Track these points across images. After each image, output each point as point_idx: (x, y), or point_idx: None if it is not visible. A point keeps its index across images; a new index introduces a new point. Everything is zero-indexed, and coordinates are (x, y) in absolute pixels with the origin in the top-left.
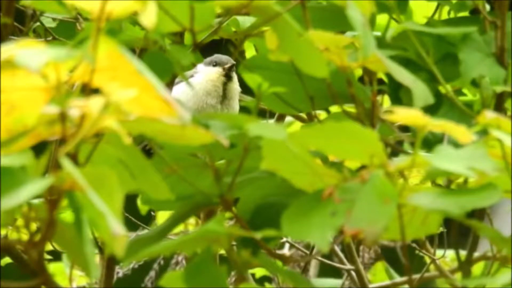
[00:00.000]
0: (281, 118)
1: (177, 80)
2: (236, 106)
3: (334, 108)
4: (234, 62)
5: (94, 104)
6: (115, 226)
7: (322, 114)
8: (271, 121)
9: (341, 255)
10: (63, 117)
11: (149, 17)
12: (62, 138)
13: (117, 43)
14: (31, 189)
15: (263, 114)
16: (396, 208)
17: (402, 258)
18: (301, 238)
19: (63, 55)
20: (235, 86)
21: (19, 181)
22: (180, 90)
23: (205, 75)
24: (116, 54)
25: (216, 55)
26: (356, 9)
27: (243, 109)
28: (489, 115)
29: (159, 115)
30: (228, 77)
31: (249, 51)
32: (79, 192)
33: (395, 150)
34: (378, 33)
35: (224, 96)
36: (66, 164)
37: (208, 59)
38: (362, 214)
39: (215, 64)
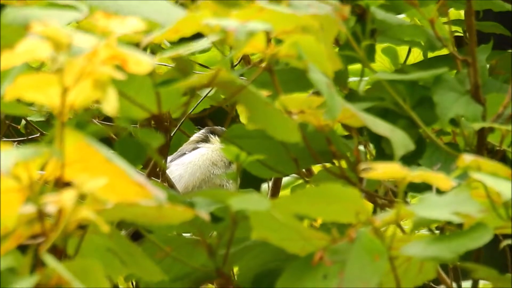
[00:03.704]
0: (278, 178)
1: (183, 149)
2: None
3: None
4: None
5: (67, 197)
6: None
7: None
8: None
9: None
10: (40, 214)
11: (111, 104)
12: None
13: (83, 134)
14: None
15: None
16: (388, 261)
17: None
18: None
19: (30, 154)
20: None
21: (7, 282)
22: (187, 160)
23: (210, 146)
24: (84, 146)
25: (209, 127)
26: (317, 71)
27: None
28: (467, 159)
29: (135, 199)
30: None
31: (243, 115)
32: (66, 286)
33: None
34: (357, 79)
35: (229, 166)
36: (49, 260)
37: (203, 131)
38: (354, 274)
39: (214, 134)
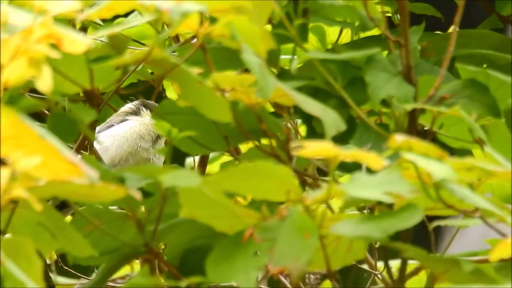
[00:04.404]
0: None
1: (111, 120)
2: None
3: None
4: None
5: (1, 175)
6: None
7: None
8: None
9: (285, 281)
10: None
11: (45, 81)
12: None
13: (17, 111)
14: None
15: None
16: (318, 239)
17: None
18: (227, 281)
19: None
20: None
21: None
22: (115, 132)
23: (138, 119)
24: (17, 123)
25: (142, 100)
26: (250, 52)
27: None
28: (398, 139)
29: (68, 177)
30: None
31: (169, 90)
32: None
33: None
34: (288, 56)
35: (157, 140)
36: None
37: (136, 103)
38: (285, 251)
39: (146, 108)
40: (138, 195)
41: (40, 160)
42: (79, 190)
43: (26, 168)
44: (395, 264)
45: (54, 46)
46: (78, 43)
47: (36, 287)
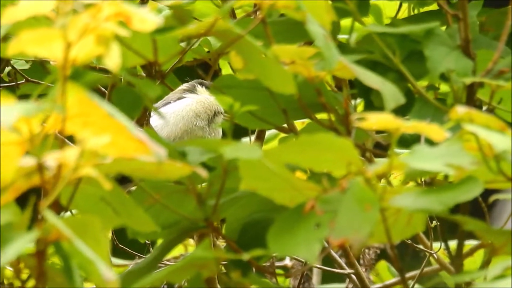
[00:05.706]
0: (262, 132)
1: (169, 98)
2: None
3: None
4: None
5: (70, 154)
6: (105, 271)
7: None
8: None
9: (340, 260)
10: (40, 168)
11: (113, 59)
12: (42, 188)
13: (84, 88)
14: (17, 247)
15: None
16: (379, 212)
17: (393, 255)
18: (289, 254)
19: (33, 109)
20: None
21: (5, 238)
22: (171, 110)
23: (195, 97)
24: (85, 100)
25: (199, 80)
26: (315, 23)
27: None
28: (460, 110)
29: (135, 155)
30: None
31: (225, 69)
32: (65, 241)
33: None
34: (346, 36)
35: (212, 119)
36: (49, 216)
37: (193, 82)
38: (345, 223)
39: (201, 85)
40: (204, 173)
41: (109, 138)
42: (145, 167)
43: (95, 147)
44: (450, 245)
45: (122, 23)
46: (147, 21)
47: (104, 265)
